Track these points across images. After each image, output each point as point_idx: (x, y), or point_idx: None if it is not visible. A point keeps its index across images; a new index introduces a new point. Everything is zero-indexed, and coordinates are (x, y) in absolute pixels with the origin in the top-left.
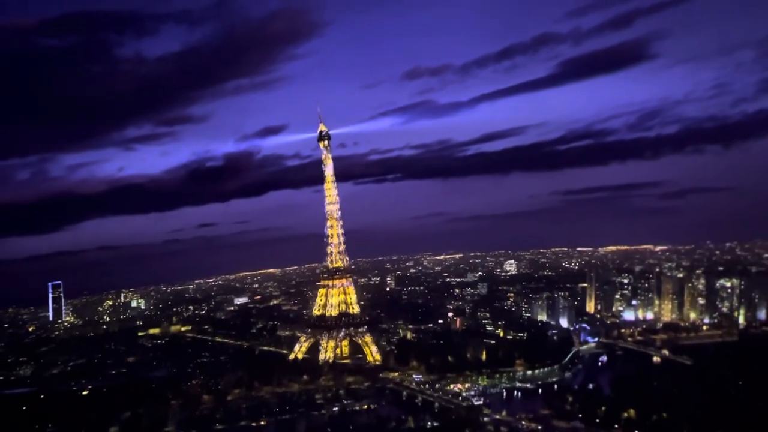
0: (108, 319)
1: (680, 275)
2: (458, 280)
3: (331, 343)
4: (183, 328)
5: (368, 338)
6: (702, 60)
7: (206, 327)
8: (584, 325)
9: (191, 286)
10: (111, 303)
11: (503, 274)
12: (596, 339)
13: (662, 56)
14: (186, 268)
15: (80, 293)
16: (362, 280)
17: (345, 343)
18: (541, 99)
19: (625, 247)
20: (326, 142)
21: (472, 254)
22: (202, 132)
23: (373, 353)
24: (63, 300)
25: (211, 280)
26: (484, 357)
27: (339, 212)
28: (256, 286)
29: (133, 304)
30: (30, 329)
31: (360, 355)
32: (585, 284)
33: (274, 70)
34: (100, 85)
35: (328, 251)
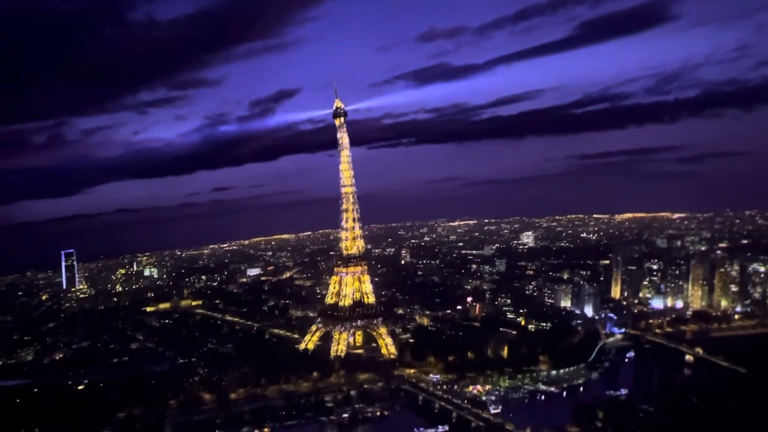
0: (120, 289)
1: (703, 248)
2: (475, 252)
3: (344, 335)
4: (194, 303)
5: (383, 330)
6: (723, 21)
7: (217, 302)
8: (610, 314)
9: (206, 251)
10: (124, 272)
11: (521, 246)
12: (623, 330)
13: (683, 17)
14: (201, 232)
15: (97, 257)
16: (376, 250)
17: (359, 332)
18: (559, 62)
19: (642, 215)
20: (342, 119)
21: (486, 221)
22: (216, 95)
23: (387, 346)
24: (76, 268)
25: (225, 246)
26: (505, 353)
27: (355, 195)
28: (270, 254)
29: (146, 273)
30: (43, 297)
31: (374, 344)
32: (606, 261)
33: (287, 33)
34: (113, 49)
35: (343, 236)
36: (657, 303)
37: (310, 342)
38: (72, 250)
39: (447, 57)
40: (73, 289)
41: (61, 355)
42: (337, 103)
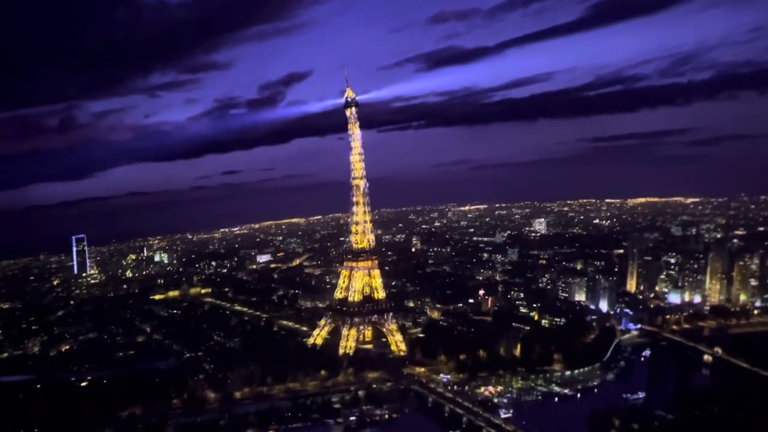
0: (130, 275)
1: (719, 236)
2: (486, 239)
3: (353, 332)
4: (203, 291)
5: (393, 326)
6: (738, 2)
7: (226, 290)
8: (626, 309)
9: (217, 235)
10: (134, 257)
11: (533, 234)
12: (638, 326)
13: None
14: (212, 215)
15: (109, 240)
16: (386, 236)
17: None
18: (571, 44)
19: (655, 199)
20: (353, 109)
21: (497, 205)
22: (226, 79)
23: (397, 343)
24: (87, 253)
25: (236, 229)
26: (518, 351)
27: (366, 187)
28: (280, 239)
29: (157, 258)
30: (54, 282)
31: (384, 339)
32: (620, 250)
33: (296, 15)
34: (124, 32)
35: (353, 230)
36: (674, 297)
37: (318, 337)
38: (83, 236)
39: (458, 39)
40: (84, 274)
41: (67, 347)
42: (348, 93)
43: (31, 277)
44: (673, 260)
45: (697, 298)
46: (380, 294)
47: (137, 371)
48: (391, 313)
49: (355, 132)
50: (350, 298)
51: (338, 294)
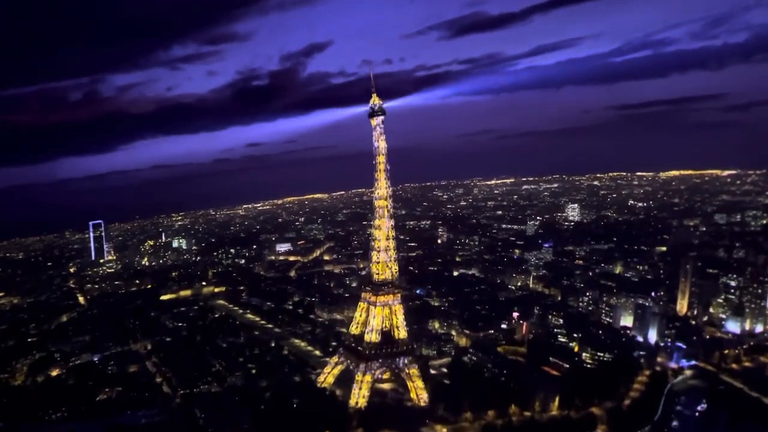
0: (146, 263)
1: (765, 221)
2: (516, 227)
3: (368, 378)
4: (216, 290)
5: (414, 371)
6: None
7: (241, 288)
8: (678, 342)
9: (240, 212)
10: (152, 243)
11: (566, 224)
12: (692, 362)
13: None
14: (235, 190)
15: (133, 216)
16: (410, 223)
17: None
18: (598, 8)
19: (689, 172)
20: (380, 118)
21: (524, 179)
22: (247, 50)
23: (417, 390)
24: (104, 239)
25: (259, 205)
26: (555, 405)
27: (391, 209)
28: (302, 220)
29: (175, 244)
30: (71, 270)
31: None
32: (663, 248)
33: None
34: (144, 4)
35: (374, 258)
36: (732, 324)
37: (329, 375)
38: (100, 221)
39: (482, 5)
40: (101, 261)
41: (55, 373)
42: (374, 100)
43: (49, 263)
44: (733, 282)
45: (758, 326)
46: (401, 333)
47: (114, 425)
48: (411, 357)
49: (381, 145)
50: (367, 338)
51: (353, 329)
